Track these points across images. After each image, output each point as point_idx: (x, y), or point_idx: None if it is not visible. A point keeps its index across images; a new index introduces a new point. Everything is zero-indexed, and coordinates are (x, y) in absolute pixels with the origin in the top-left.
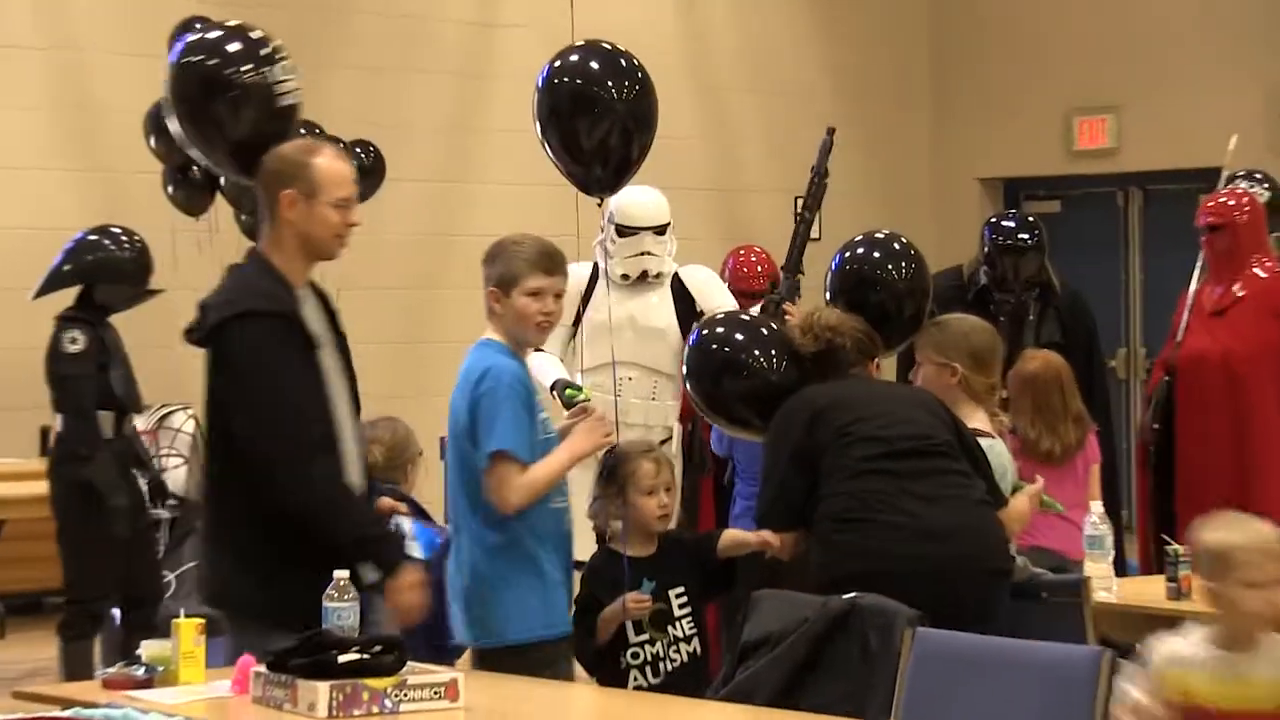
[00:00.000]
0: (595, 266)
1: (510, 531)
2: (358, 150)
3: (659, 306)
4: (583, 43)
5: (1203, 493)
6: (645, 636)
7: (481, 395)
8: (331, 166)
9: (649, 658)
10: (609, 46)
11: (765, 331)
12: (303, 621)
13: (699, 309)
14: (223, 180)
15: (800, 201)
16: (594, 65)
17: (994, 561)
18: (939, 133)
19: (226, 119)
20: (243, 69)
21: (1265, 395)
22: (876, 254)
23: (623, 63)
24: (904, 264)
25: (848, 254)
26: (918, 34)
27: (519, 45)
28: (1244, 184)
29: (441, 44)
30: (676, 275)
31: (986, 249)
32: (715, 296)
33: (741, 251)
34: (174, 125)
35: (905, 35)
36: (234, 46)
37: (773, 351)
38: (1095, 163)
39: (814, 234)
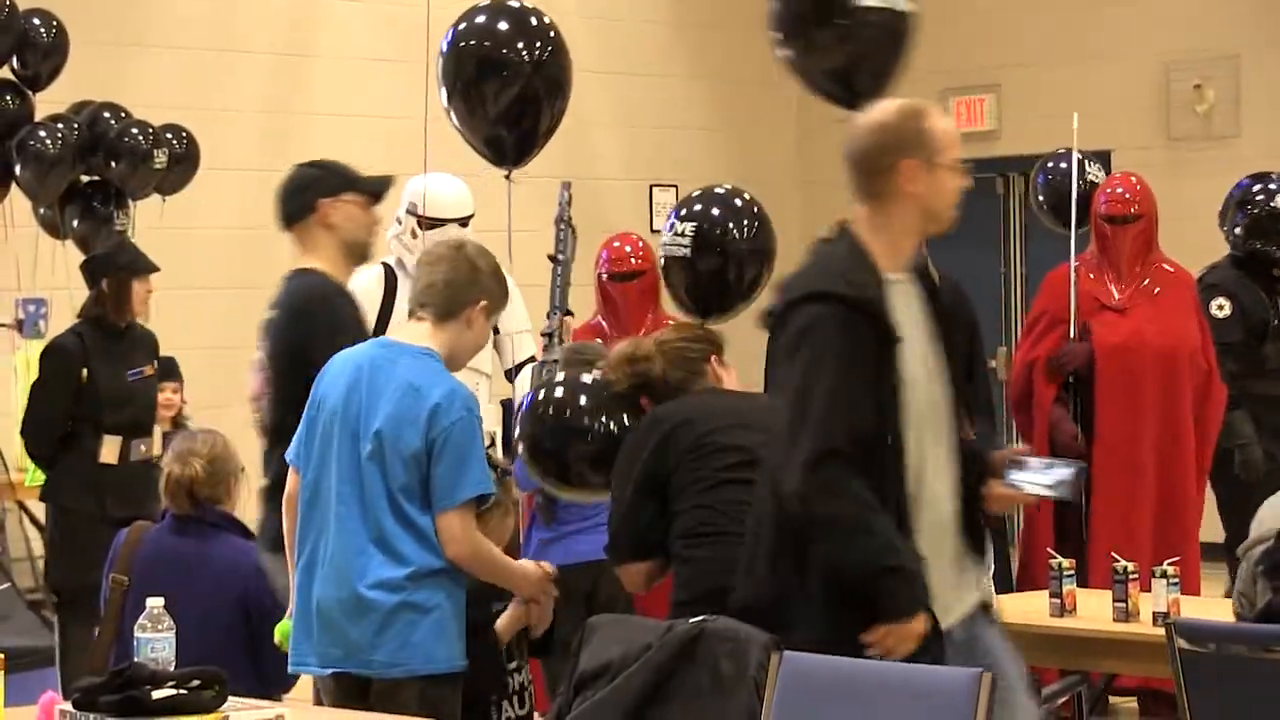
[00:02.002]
0: (385, 267)
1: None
2: (169, 136)
3: None
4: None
5: (1126, 496)
6: (514, 664)
7: (453, 424)
8: (944, 127)
9: (516, 687)
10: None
11: (605, 392)
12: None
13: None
14: (19, 169)
15: (555, 247)
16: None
17: None
18: (805, 116)
19: None
20: None
21: (1185, 394)
22: (716, 211)
23: (532, 21)
24: (746, 223)
25: (683, 211)
26: None
27: (344, 22)
28: (1092, 166)
29: (260, 20)
30: None
31: None
32: (509, 306)
33: (617, 242)
34: None
35: (768, 11)
36: None
37: (616, 412)
38: (973, 146)
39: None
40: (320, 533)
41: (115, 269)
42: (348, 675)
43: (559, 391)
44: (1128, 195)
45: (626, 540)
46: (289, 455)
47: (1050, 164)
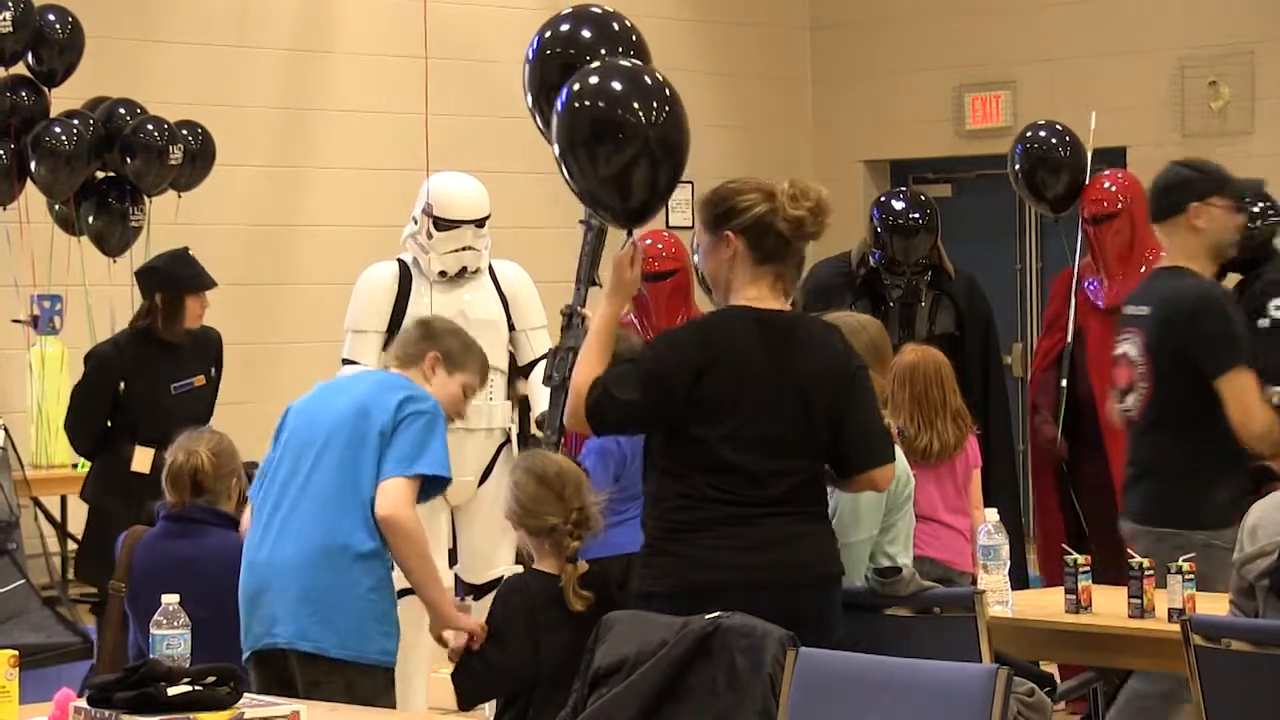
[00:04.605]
0: (401, 264)
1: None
2: (184, 133)
3: (485, 298)
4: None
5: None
6: None
7: (422, 411)
8: None
9: None
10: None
11: (648, 81)
12: None
13: (510, 316)
14: (34, 165)
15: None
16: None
17: (824, 567)
18: (820, 112)
19: None
20: None
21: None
22: None
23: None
24: None
25: None
26: (797, 4)
27: (360, 18)
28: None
29: (275, 16)
30: (491, 268)
31: (876, 230)
32: (526, 303)
33: (648, 240)
34: None
35: (783, 7)
36: None
37: (653, 103)
38: (989, 143)
39: (688, 223)
40: (263, 535)
41: (173, 285)
42: (266, 656)
43: (594, 78)
44: (1105, 194)
45: (615, 420)
46: (250, 493)
47: (1029, 133)
